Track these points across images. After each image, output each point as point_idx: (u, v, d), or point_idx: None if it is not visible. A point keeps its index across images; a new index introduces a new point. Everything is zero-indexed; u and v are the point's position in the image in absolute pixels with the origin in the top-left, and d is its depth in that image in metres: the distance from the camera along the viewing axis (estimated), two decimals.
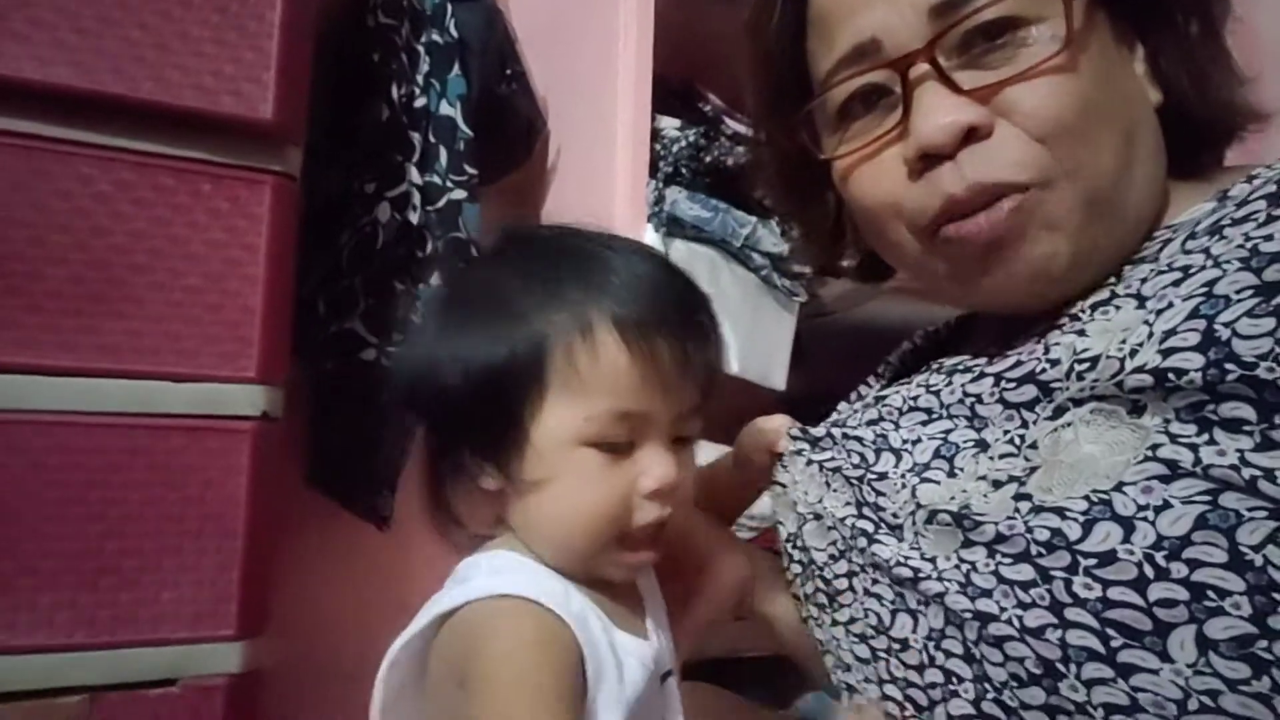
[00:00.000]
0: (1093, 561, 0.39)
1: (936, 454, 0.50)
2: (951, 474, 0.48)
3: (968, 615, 0.43)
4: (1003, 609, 0.42)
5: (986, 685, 0.43)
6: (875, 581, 0.50)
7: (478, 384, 0.45)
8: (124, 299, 0.75)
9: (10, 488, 0.71)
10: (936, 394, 0.53)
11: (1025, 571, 0.41)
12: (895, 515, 0.50)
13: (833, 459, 0.56)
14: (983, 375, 0.50)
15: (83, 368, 0.74)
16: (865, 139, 0.50)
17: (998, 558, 0.43)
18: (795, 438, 0.61)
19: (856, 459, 0.54)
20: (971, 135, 0.46)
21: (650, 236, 1.05)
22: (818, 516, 0.55)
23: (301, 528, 1.07)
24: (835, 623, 0.53)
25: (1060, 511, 0.41)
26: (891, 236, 0.52)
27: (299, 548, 1.06)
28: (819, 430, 0.60)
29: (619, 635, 0.45)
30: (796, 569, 0.58)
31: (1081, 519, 0.40)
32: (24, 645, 0.71)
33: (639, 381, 0.44)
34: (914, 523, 0.48)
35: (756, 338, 1.11)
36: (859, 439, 0.56)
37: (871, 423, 0.57)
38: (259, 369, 0.79)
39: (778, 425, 0.64)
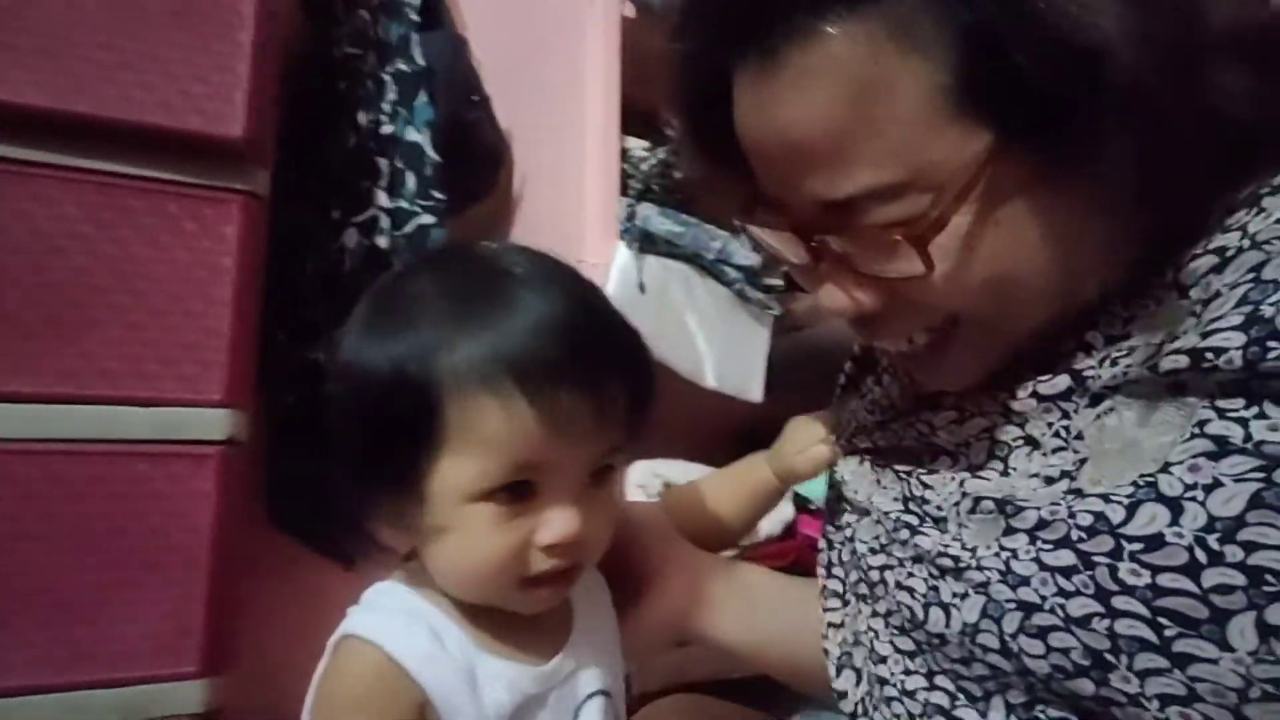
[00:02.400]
0: (1138, 546, 0.38)
1: (991, 454, 0.48)
2: (1005, 473, 0.47)
3: (1011, 605, 0.42)
4: (1044, 597, 0.40)
5: (1032, 679, 0.41)
6: (910, 575, 0.49)
7: (378, 421, 0.44)
8: (84, 322, 0.73)
9: None
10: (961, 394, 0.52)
11: (1066, 557, 0.40)
12: (939, 508, 0.49)
13: (885, 459, 0.56)
14: (1012, 370, 0.49)
15: (40, 393, 0.71)
16: (792, 264, 0.51)
17: (1039, 543, 0.41)
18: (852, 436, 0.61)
19: (910, 457, 0.54)
20: (863, 317, 0.47)
21: (623, 253, 1.05)
22: (866, 512, 0.55)
23: (267, 564, 1.03)
24: (875, 614, 0.52)
25: (1104, 496, 0.40)
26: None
27: (265, 584, 1.02)
28: (865, 443, 0.60)
29: (488, 662, 0.45)
30: (837, 558, 0.58)
31: (1126, 501, 0.39)
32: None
33: (539, 436, 0.42)
34: (958, 513, 0.47)
35: (732, 351, 1.11)
36: (909, 449, 0.55)
37: (908, 425, 0.56)
38: (224, 392, 0.76)
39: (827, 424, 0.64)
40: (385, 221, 1.05)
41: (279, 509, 1.06)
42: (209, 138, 0.76)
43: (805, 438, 0.64)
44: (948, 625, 0.45)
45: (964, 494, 0.47)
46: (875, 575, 0.52)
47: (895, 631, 0.50)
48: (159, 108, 0.74)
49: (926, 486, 0.51)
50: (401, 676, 0.42)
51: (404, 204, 1.06)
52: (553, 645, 0.49)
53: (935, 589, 0.46)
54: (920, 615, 0.47)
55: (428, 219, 1.07)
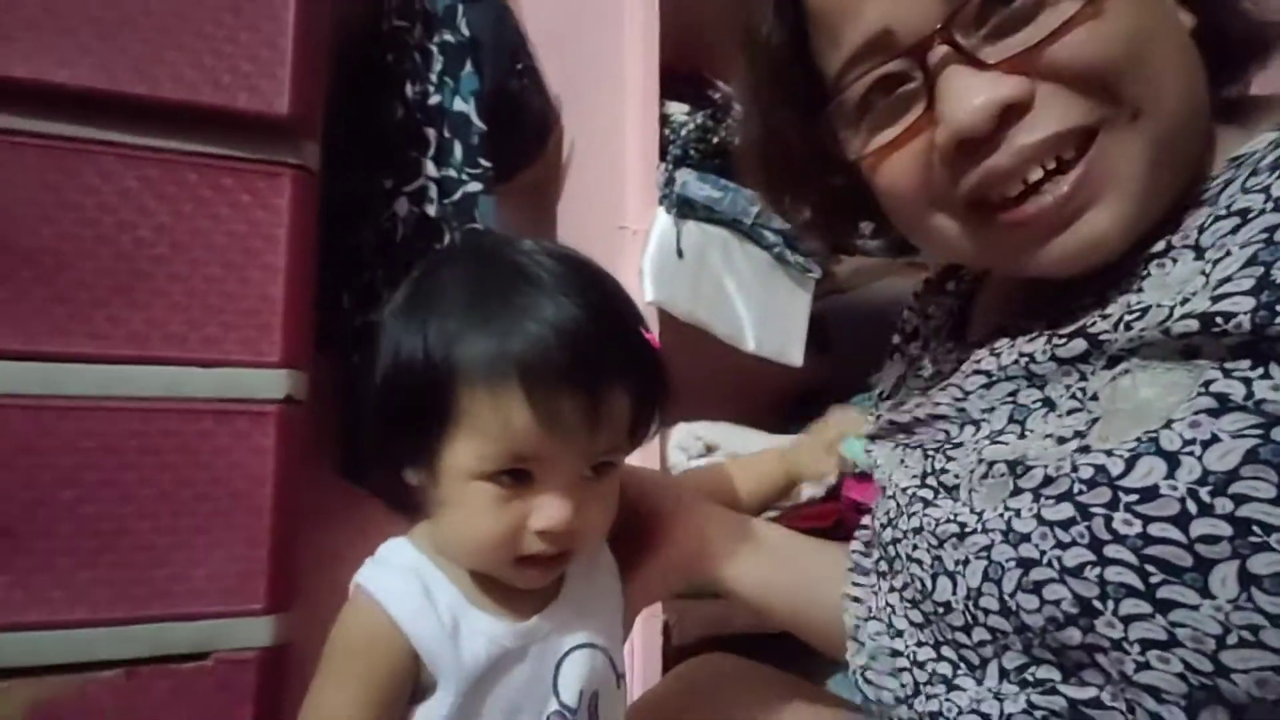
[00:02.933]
0: (1134, 497, 0.39)
1: (1010, 419, 0.49)
2: (1022, 435, 0.47)
3: (1010, 564, 0.43)
4: (1042, 552, 0.42)
5: (1029, 635, 0.43)
6: (915, 547, 0.50)
7: (401, 398, 0.48)
8: (149, 290, 0.79)
9: (46, 471, 0.74)
10: (997, 356, 0.51)
11: (1065, 510, 0.41)
12: (956, 476, 0.49)
13: (918, 438, 0.56)
14: (1038, 333, 0.49)
15: (112, 355, 0.77)
16: (891, 133, 0.47)
17: (1041, 500, 0.42)
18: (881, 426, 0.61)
19: (942, 436, 0.54)
20: (1010, 114, 0.43)
21: (663, 219, 1.06)
22: (884, 490, 0.57)
23: (337, 514, 1.10)
24: (893, 589, 0.54)
25: (1108, 451, 0.41)
26: (931, 228, 0.49)
27: (333, 533, 1.09)
28: (904, 416, 0.58)
29: (473, 617, 0.50)
30: (867, 536, 0.59)
31: (1126, 455, 0.40)
32: (62, 620, 0.74)
33: (535, 433, 0.45)
34: (971, 479, 0.48)
35: (772, 315, 1.11)
36: (944, 416, 0.54)
37: (943, 389, 0.55)
38: (282, 354, 0.82)
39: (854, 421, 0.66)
40: (434, 190, 1.09)
41: (349, 464, 1.13)
42: (258, 114, 0.81)
43: (820, 445, 0.68)
44: (954, 593, 0.46)
45: (979, 460, 0.48)
46: (891, 550, 0.53)
47: (909, 604, 0.52)
48: (211, 86, 0.79)
49: (949, 459, 0.51)
50: (393, 629, 0.48)
51: (451, 172, 1.10)
52: (536, 605, 0.52)
53: (939, 558, 0.47)
54: (929, 585, 0.48)
55: (475, 186, 1.11)
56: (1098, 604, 0.39)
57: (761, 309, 1.11)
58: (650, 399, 0.51)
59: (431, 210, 1.09)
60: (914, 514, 0.51)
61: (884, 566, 0.55)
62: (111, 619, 0.75)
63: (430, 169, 1.08)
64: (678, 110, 1.11)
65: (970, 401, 0.52)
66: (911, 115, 0.46)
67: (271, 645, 0.79)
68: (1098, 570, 0.39)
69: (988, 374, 0.52)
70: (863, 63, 0.47)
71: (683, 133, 1.08)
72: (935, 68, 0.44)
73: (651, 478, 0.66)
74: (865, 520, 0.62)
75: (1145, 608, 0.38)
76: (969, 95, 0.43)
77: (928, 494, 0.51)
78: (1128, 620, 0.39)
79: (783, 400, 1.38)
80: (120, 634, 0.75)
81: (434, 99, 1.11)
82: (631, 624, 0.61)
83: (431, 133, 1.09)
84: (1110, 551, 0.39)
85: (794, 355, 1.14)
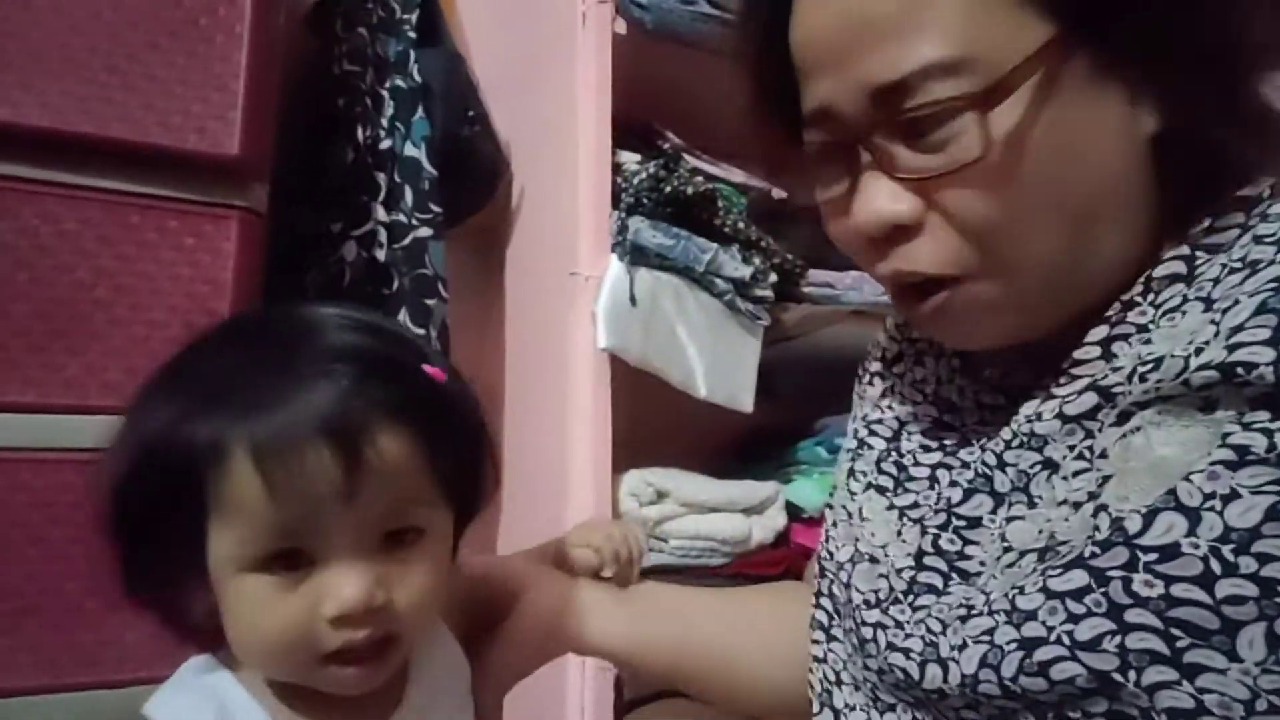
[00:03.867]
0: (1153, 556, 0.37)
1: (1013, 487, 0.47)
2: (1031, 505, 0.46)
3: (1011, 646, 0.41)
4: (1050, 628, 0.40)
5: (1045, 709, 0.41)
6: (908, 636, 0.47)
7: (144, 490, 0.42)
8: (87, 335, 0.76)
9: None
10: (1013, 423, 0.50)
11: (1077, 578, 0.39)
12: (981, 564, 0.47)
13: (916, 505, 0.53)
14: (1039, 389, 0.48)
15: (46, 404, 0.73)
16: (829, 195, 0.50)
17: (1048, 573, 0.41)
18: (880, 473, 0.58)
19: (942, 503, 0.51)
20: (898, 231, 0.46)
21: (615, 266, 1.07)
22: (874, 560, 0.53)
23: None
24: (867, 668, 0.51)
25: (1122, 511, 0.39)
26: (870, 272, 0.52)
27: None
28: (891, 467, 0.57)
29: None
30: (837, 596, 0.56)
31: (1144, 510, 0.38)
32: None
33: (291, 502, 0.40)
34: (995, 567, 0.46)
35: (723, 361, 1.13)
36: (934, 479, 0.54)
37: (930, 450, 0.55)
38: None
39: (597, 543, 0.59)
40: (383, 235, 1.08)
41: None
42: (207, 156, 0.79)
43: (585, 535, 0.61)
44: (945, 680, 0.44)
45: (1006, 548, 0.46)
46: (868, 632, 0.50)
47: (892, 687, 0.49)
48: (159, 127, 0.77)
49: (967, 541, 0.49)
50: None
51: (401, 217, 1.09)
52: (376, 713, 0.46)
53: (934, 645, 0.45)
54: (916, 675, 0.46)
55: (425, 231, 1.10)
56: (1118, 676, 0.38)
57: (713, 355, 1.12)
58: (448, 446, 0.44)
59: (380, 255, 1.07)
60: (917, 605, 0.48)
61: (855, 641, 0.52)
62: (35, 687, 0.70)
63: (380, 213, 1.07)
64: (629, 159, 1.12)
65: (963, 470, 0.51)
66: (842, 188, 0.49)
67: None
68: (1117, 639, 0.38)
69: (978, 435, 0.51)
70: (814, 125, 0.49)
71: (635, 181, 1.09)
72: (860, 164, 0.47)
73: (497, 560, 0.61)
74: (825, 570, 0.58)
75: (1172, 674, 0.37)
76: (871, 202, 0.46)
77: (935, 580, 0.49)
78: (1153, 690, 0.37)
79: (731, 446, 1.39)
80: (45, 703, 0.70)
81: (385, 144, 1.10)
82: (498, 710, 0.55)
83: (382, 177, 1.09)
84: (1131, 617, 0.38)
85: (745, 401, 1.15)
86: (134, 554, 0.43)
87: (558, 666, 0.80)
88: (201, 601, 0.43)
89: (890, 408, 0.59)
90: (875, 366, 0.63)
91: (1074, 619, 0.39)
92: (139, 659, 0.73)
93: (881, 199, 0.45)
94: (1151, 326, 0.44)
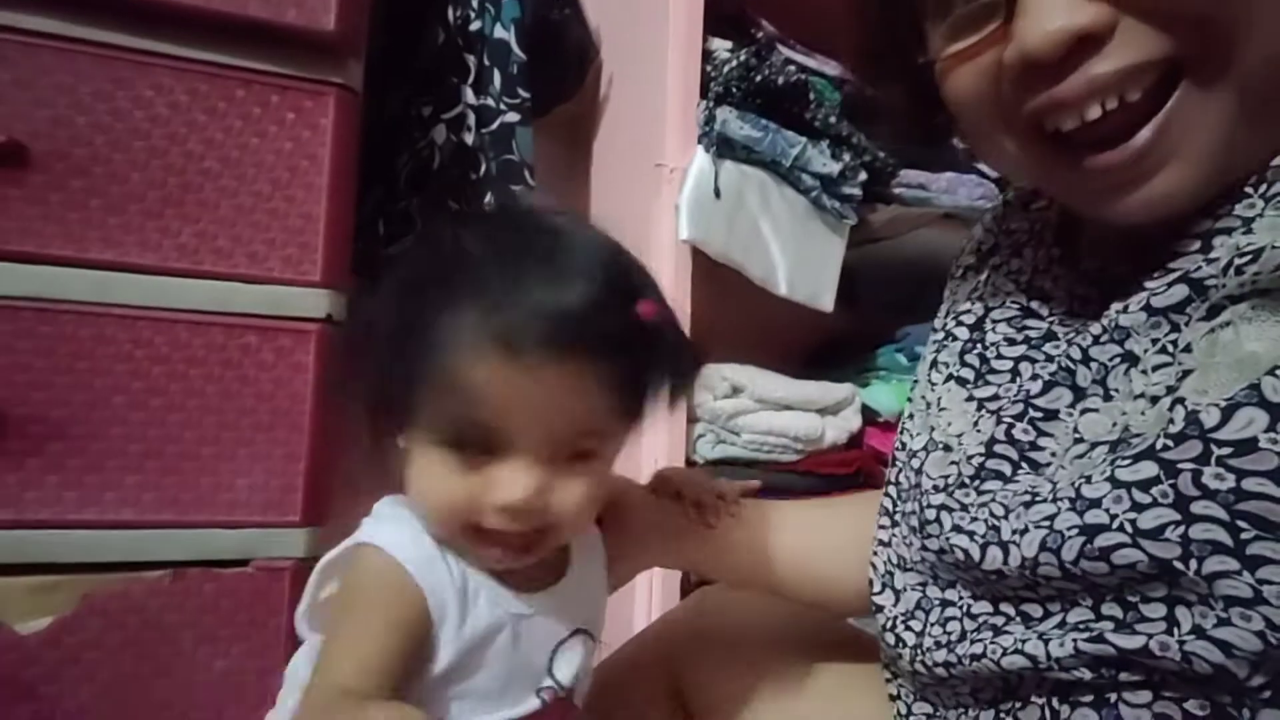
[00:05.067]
0: (1228, 451, 0.37)
1: (1092, 380, 0.46)
2: (1108, 397, 0.45)
3: (1073, 532, 0.41)
4: (1113, 516, 0.40)
5: (1102, 590, 0.41)
6: (974, 520, 0.48)
7: (377, 352, 0.47)
8: (197, 203, 0.80)
9: (99, 376, 0.76)
10: (1075, 300, 0.49)
11: (1146, 469, 0.39)
12: (1052, 454, 0.47)
13: (996, 397, 0.53)
14: (1125, 280, 0.46)
15: (163, 266, 0.78)
16: (965, 41, 0.45)
17: (1116, 462, 0.41)
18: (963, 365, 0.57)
19: (1021, 394, 0.50)
20: (1085, 44, 0.40)
21: (701, 157, 1.06)
22: (947, 449, 0.53)
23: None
24: (925, 548, 0.52)
25: (1200, 404, 0.39)
26: (994, 145, 0.48)
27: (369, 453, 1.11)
28: (974, 359, 0.56)
29: (479, 578, 0.49)
30: (903, 484, 0.57)
31: (1223, 404, 0.38)
32: (112, 520, 0.77)
33: (502, 400, 0.44)
34: (1064, 458, 0.46)
35: (805, 259, 1.11)
36: (1016, 371, 0.53)
37: (1015, 344, 0.54)
38: (322, 274, 0.83)
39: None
40: (472, 118, 1.09)
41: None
42: (304, 30, 0.81)
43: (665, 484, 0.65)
44: (1004, 562, 0.44)
45: (1077, 439, 0.46)
46: (931, 514, 0.51)
47: (950, 566, 0.50)
48: (260, 2, 0.79)
49: (1041, 432, 0.48)
50: (408, 579, 0.47)
51: (490, 101, 1.09)
52: (536, 583, 0.51)
53: (996, 529, 0.46)
54: (977, 557, 0.46)
55: (513, 117, 1.10)
56: (1178, 564, 0.38)
57: (795, 253, 1.11)
58: (644, 384, 0.48)
59: (469, 139, 1.09)
60: (983, 489, 0.48)
61: (914, 523, 0.53)
62: (159, 521, 0.78)
63: (469, 96, 1.08)
64: (721, 47, 1.09)
65: (1046, 363, 0.50)
66: (989, 26, 0.43)
67: (306, 557, 0.82)
68: (1180, 529, 0.38)
69: (1063, 328, 0.50)
70: None
71: (725, 70, 1.07)
72: None
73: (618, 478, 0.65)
74: (896, 459, 0.60)
75: (1233, 564, 0.37)
76: (1047, 17, 0.40)
77: (1004, 467, 0.49)
78: (1213, 578, 0.37)
79: (810, 347, 1.39)
80: (167, 536, 0.78)
81: (475, 25, 1.09)
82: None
83: (471, 59, 1.09)
84: (1197, 509, 0.38)
85: (825, 301, 1.14)
86: (361, 397, 0.49)
87: None
88: (397, 443, 0.49)
89: (980, 298, 0.58)
90: (969, 260, 0.62)
91: (1138, 508, 0.39)
92: (251, 505, 0.80)
93: (1059, 12, 0.40)
94: (1257, 219, 0.41)
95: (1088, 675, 0.41)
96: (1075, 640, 0.41)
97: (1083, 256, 0.53)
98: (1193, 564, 0.38)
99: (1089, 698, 0.42)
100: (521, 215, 0.51)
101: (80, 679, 0.75)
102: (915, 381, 0.62)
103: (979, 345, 0.56)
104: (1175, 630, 0.39)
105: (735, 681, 0.63)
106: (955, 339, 0.58)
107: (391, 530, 0.49)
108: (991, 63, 0.44)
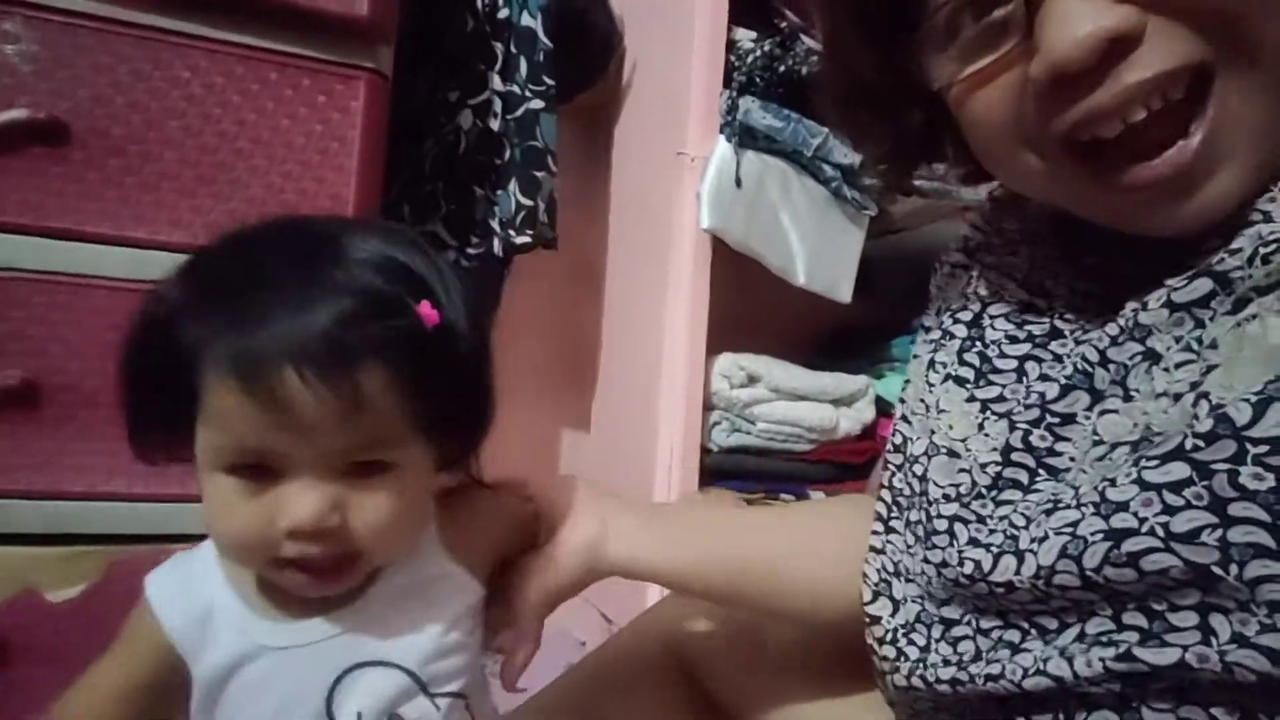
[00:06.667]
0: (1264, 449, 0.35)
1: (1111, 380, 0.45)
2: (1128, 398, 0.44)
3: (1097, 538, 0.39)
4: (1142, 520, 0.38)
5: (1125, 599, 0.40)
6: (991, 532, 0.46)
7: (149, 376, 0.45)
8: (230, 183, 0.81)
9: None
10: (1091, 300, 0.48)
11: (1178, 470, 0.38)
12: (1071, 459, 0.45)
13: (1002, 398, 0.50)
14: (1135, 276, 0.45)
15: (194, 244, 0.79)
16: (981, 62, 0.43)
17: (1142, 463, 0.39)
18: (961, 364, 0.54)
19: (1034, 398, 0.49)
20: (1115, 48, 0.39)
21: (723, 147, 1.07)
22: (953, 454, 0.51)
23: None
24: (928, 560, 0.50)
25: (1228, 399, 0.37)
26: (1019, 167, 0.46)
27: None
28: (974, 358, 0.54)
29: (232, 608, 0.47)
30: (902, 489, 0.54)
31: (1254, 399, 0.36)
32: (140, 493, 0.79)
33: (262, 424, 0.41)
34: (1084, 461, 0.44)
35: (824, 250, 1.12)
36: (1022, 371, 0.51)
37: (1017, 341, 0.52)
38: None
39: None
40: (498, 104, 1.10)
41: None
42: (337, 15, 0.82)
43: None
44: (1017, 572, 0.43)
45: (1096, 441, 0.44)
46: (942, 524, 0.49)
47: (949, 582, 0.48)
48: None
49: (1060, 438, 0.47)
50: (148, 615, 0.46)
51: (515, 88, 1.10)
52: (322, 609, 0.47)
53: (1014, 538, 0.44)
54: (987, 567, 0.44)
55: (537, 104, 1.11)
56: (1217, 569, 0.36)
57: (814, 243, 1.12)
58: (431, 388, 0.44)
59: (495, 125, 1.10)
60: (1000, 500, 0.47)
61: (921, 532, 0.51)
62: (183, 495, 0.79)
63: (496, 83, 1.09)
64: (745, 36, 1.10)
65: (1058, 364, 0.48)
66: (1006, 44, 0.42)
67: None
68: (1219, 533, 0.36)
69: (1082, 328, 0.48)
70: None
71: (748, 60, 1.08)
72: None
73: (547, 481, 0.61)
74: (889, 462, 0.57)
75: (1278, 568, 0.35)
76: (1073, 24, 0.38)
77: (1021, 475, 0.47)
78: (1256, 583, 0.36)
79: (825, 337, 1.40)
80: (190, 510, 0.80)
81: (502, 13, 1.11)
82: (535, 627, 0.54)
83: (499, 47, 1.10)
84: (1236, 510, 0.36)
85: (843, 291, 1.15)
86: (138, 421, 0.46)
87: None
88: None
89: (976, 294, 0.56)
90: (957, 257, 0.60)
91: (1170, 511, 0.37)
92: None
93: (1085, 17, 0.38)
94: (1266, 199, 0.40)
95: (1118, 687, 0.40)
96: (1103, 660, 0.39)
97: (1083, 252, 0.52)
98: (1233, 569, 0.36)
99: (1109, 705, 0.41)
100: (294, 227, 0.48)
101: (106, 645, 0.77)
102: (907, 381, 0.59)
103: (978, 343, 0.54)
104: (1213, 640, 0.37)
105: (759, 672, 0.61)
106: (952, 337, 0.55)
107: (163, 566, 0.48)
108: (1012, 82, 0.43)
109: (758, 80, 1.07)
